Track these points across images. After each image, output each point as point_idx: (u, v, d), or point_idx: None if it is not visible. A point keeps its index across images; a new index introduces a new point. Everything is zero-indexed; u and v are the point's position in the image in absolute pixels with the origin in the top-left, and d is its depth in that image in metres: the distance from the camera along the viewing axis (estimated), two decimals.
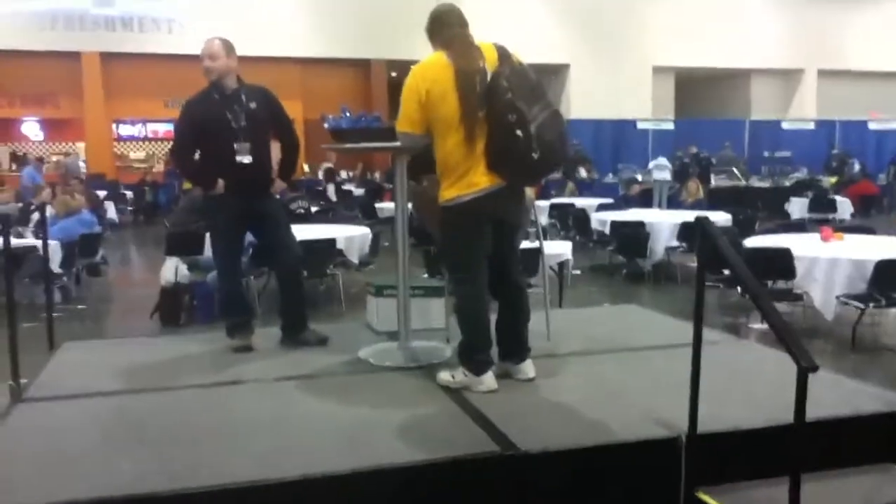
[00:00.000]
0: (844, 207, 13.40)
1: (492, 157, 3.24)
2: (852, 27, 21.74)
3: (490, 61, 3.29)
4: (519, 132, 3.14)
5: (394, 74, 19.22)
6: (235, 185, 4.10)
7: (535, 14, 18.95)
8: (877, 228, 8.27)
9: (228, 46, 4.13)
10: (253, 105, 4.14)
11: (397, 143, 3.63)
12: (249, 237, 4.61)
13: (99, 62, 17.20)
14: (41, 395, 3.48)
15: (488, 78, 3.24)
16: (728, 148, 18.70)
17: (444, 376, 3.53)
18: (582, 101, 19.47)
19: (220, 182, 4.09)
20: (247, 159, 4.09)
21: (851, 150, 19.46)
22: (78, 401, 3.42)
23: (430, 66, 3.33)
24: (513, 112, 3.16)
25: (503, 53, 3.33)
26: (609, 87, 19.56)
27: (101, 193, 14.53)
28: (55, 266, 6.90)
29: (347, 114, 4.19)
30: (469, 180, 3.27)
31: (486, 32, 4.00)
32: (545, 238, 7.26)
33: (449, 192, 3.33)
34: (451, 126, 3.25)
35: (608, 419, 3.05)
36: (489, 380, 3.42)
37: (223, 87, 4.11)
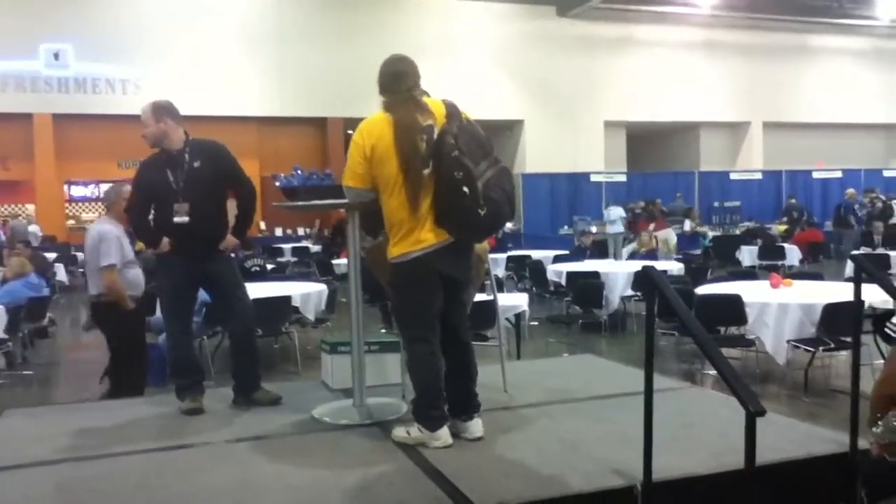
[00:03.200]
0: (793, 254, 13.73)
1: (439, 213, 3.26)
2: (795, 82, 22.68)
3: (438, 118, 3.30)
4: (466, 189, 3.16)
5: (350, 132, 19.36)
6: (178, 245, 4.05)
7: (489, 72, 19.39)
8: (824, 274, 8.48)
9: (158, 109, 4.08)
10: (196, 164, 4.08)
11: (348, 201, 3.63)
12: (204, 296, 4.54)
13: (51, 123, 17.05)
14: None
15: (435, 135, 3.26)
16: (680, 199, 19.15)
17: (400, 433, 3.47)
18: (536, 156, 19.85)
19: (165, 240, 4.06)
20: (183, 220, 4.03)
21: (797, 198, 20.09)
22: (16, 472, 3.28)
23: (376, 122, 3.35)
24: (459, 169, 3.18)
25: (452, 111, 3.35)
26: (562, 142, 19.99)
27: (52, 255, 14.24)
28: (0, 331, 6.70)
29: (299, 171, 4.20)
30: (416, 237, 3.28)
31: (440, 90, 4.07)
32: (502, 290, 7.30)
33: (397, 249, 3.34)
34: (396, 183, 3.26)
35: (565, 471, 3.02)
36: (445, 435, 3.37)
37: (170, 147, 4.10)
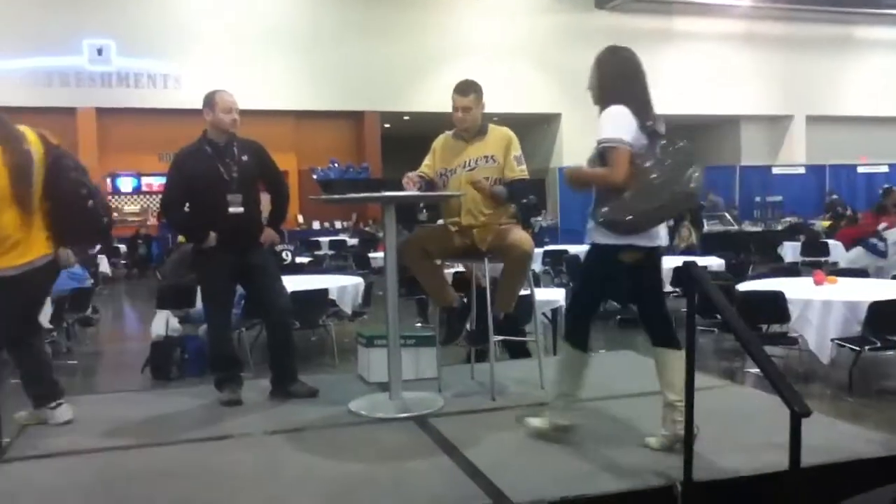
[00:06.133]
0: (837, 250, 13.41)
1: (61, 227, 3.65)
2: (839, 74, 22.14)
3: (33, 143, 3.60)
4: (91, 202, 3.67)
5: (387, 126, 19.44)
6: (226, 236, 4.10)
7: (525, 66, 19.25)
8: (870, 271, 8.27)
9: None
10: (245, 157, 4.18)
11: (385, 194, 3.63)
12: (241, 289, 4.59)
13: (94, 117, 17.36)
14: (22, 455, 3.40)
15: (34, 158, 3.55)
16: (713, 193, 18.92)
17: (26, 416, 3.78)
18: (573, 150, 19.62)
19: (212, 235, 4.09)
20: (238, 210, 4.11)
21: (841, 193, 19.65)
22: (60, 460, 3.35)
23: None
24: (82, 187, 3.66)
25: (43, 136, 3.71)
26: None
27: (94, 247, 14.51)
28: (45, 321, 6.83)
29: (336, 165, 4.21)
30: (23, 251, 3.53)
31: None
32: (538, 285, 7.25)
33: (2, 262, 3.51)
34: (3, 200, 3.47)
35: (602, 468, 2.99)
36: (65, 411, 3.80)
37: (216, 139, 4.14)
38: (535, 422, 3.41)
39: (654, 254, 3.21)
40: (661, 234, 3.18)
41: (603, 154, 3.10)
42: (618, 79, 3.27)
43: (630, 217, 2.97)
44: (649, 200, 2.97)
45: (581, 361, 3.31)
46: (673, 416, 3.10)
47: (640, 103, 3.18)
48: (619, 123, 3.10)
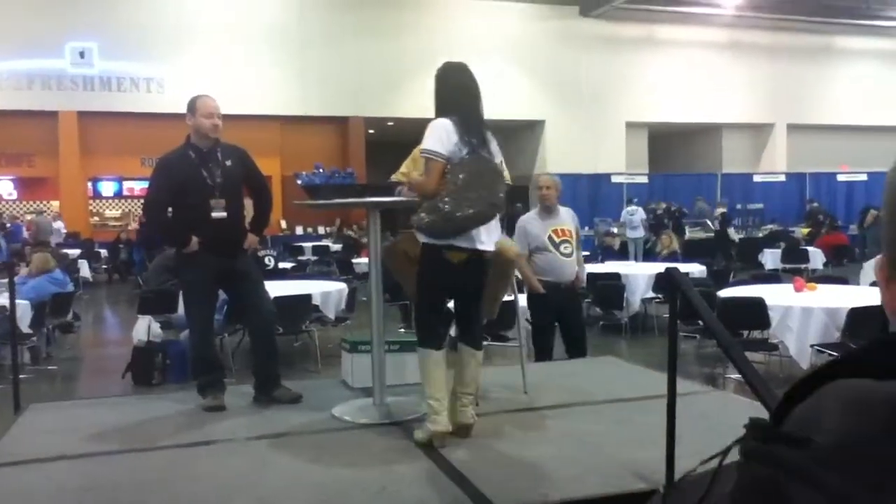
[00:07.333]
0: (817, 257, 13.57)
1: None
2: (820, 83, 22.41)
3: None
4: None
5: (371, 131, 19.45)
6: (210, 241, 4.09)
7: (510, 72, 19.32)
8: (849, 278, 8.37)
9: None
10: (229, 163, 4.19)
11: (370, 199, 3.63)
12: (223, 295, 4.58)
13: (76, 121, 17.22)
14: (4, 461, 3.37)
15: None
16: (701, 200, 19.02)
17: None
18: (557, 156, 19.75)
19: (195, 239, 4.08)
20: (222, 215, 4.11)
21: (821, 201, 19.88)
22: (41, 465, 3.32)
23: None
24: None
25: None
26: (584, 143, 19.89)
27: (75, 252, 14.40)
28: (25, 326, 6.77)
29: (321, 170, 4.21)
30: None
31: None
32: (522, 291, 7.28)
33: None
34: None
35: (585, 473, 3.01)
36: None
37: (199, 145, 4.14)
38: (418, 434, 3.44)
39: (480, 257, 3.41)
40: (483, 239, 3.38)
41: (425, 163, 3.34)
42: (445, 93, 3.47)
43: (438, 221, 3.22)
44: (458, 207, 3.21)
45: (438, 361, 3.42)
46: (459, 404, 3.41)
47: (463, 117, 3.36)
48: (438, 136, 3.30)
